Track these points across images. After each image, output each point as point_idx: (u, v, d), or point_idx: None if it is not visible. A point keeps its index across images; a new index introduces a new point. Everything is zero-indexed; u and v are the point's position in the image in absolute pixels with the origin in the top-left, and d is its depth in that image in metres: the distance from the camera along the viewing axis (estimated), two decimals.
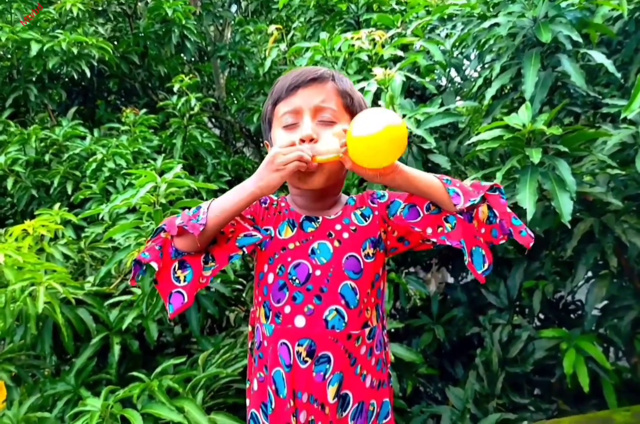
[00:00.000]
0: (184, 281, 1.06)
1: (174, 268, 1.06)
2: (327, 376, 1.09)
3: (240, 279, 2.62)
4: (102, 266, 2.32)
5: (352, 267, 1.13)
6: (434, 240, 1.09)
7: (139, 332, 2.27)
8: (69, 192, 3.21)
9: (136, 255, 2.17)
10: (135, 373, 2.02)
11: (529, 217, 1.78)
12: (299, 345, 1.09)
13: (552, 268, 2.45)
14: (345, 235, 1.14)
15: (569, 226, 1.81)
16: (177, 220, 1.05)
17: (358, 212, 1.19)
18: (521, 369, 2.36)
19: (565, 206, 1.78)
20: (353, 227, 1.16)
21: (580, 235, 2.12)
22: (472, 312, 2.74)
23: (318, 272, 1.11)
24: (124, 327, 2.15)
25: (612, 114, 2.23)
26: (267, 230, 1.15)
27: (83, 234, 2.70)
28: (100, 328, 2.22)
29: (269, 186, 1.04)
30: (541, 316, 2.77)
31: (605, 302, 2.36)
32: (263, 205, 1.19)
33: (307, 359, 1.09)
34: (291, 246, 1.13)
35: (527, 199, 1.80)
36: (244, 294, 2.66)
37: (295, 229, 1.15)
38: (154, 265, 1.05)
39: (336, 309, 1.10)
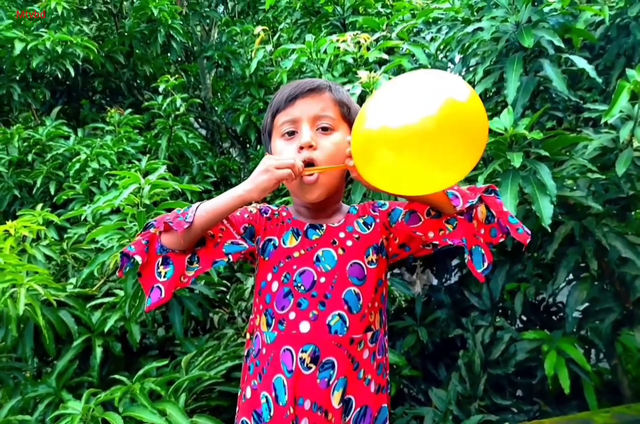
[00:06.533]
0: (164, 277, 1.08)
1: (158, 263, 1.09)
2: (331, 382, 1.09)
3: (224, 281, 2.61)
4: (84, 268, 2.30)
5: (355, 274, 1.14)
6: (436, 242, 1.11)
7: (122, 334, 2.26)
8: (52, 192, 3.19)
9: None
10: (117, 376, 2.01)
11: None
12: (302, 351, 1.09)
13: (534, 271, 2.47)
14: (349, 243, 1.17)
15: (549, 230, 1.83)
16: (167, 217, 1.08)
17: (361, 220, 1.21)
18: (503, 371, 2.38)
19: (545, 209, 1.80)
20: (356, 236, 1.18)
21: (562, 238, 2.15)
22: (455, 314, 2.75)
23: (323, 280, 1.13)
24: (106, 329, 2.14)
25: (594, 119, 2.26)
26: (270, 240, 1.18)
27: (66, 235, 2.68)
28: (82, 330, 2.20)
29: (257, 188, 1.05)
30: (523, 318, 2.79)
31: (586, 304, 2.37)
32: (264, 215, 1.21)
33: (311, 365, 1.09)
34: (296, 254, 1.15)
35: (508, 202, 1.82)
36: (227, 296, 2.66)
37: (300, 237, 1.17)
38: (138, 259, 1.07)
39: (339, 315, 1.12)
